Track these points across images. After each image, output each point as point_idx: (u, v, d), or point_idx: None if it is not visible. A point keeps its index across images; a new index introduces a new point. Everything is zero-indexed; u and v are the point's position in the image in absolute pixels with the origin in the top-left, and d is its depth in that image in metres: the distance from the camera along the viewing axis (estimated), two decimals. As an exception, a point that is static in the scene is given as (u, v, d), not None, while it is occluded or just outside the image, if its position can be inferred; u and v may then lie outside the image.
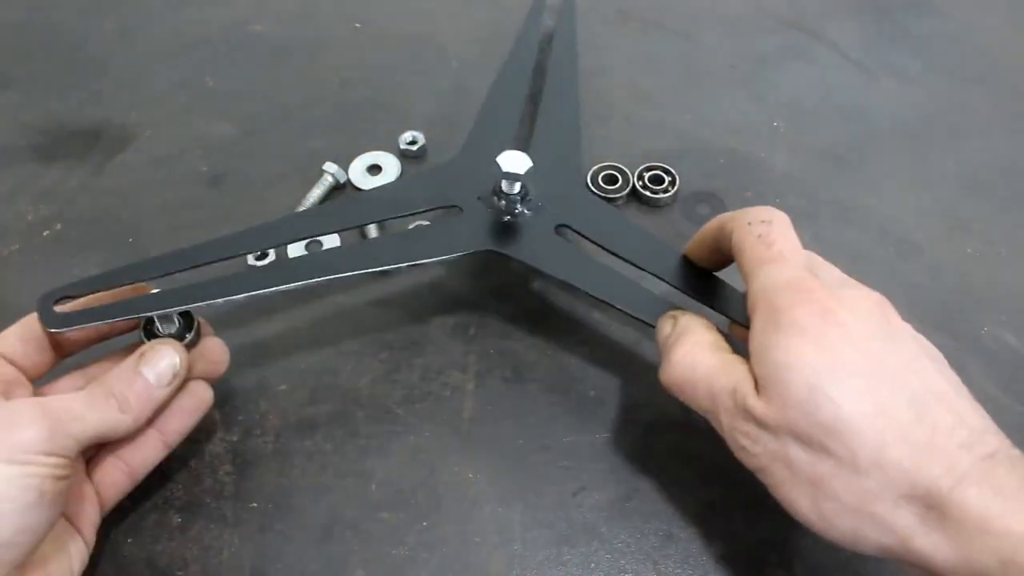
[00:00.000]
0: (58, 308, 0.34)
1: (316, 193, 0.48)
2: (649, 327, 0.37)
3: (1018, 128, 0.53)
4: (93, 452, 0.34)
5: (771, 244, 0.32)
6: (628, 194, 0.48)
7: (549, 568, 0.35)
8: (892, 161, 0.51)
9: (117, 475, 0.34)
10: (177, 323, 0.36)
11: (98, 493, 0.34)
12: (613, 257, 0.39)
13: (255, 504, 0.37)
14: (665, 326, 0.36)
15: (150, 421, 0.34)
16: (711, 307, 0.37)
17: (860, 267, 0.45)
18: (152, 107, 0.54)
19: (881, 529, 0.27)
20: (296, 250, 0.46)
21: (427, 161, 0.51)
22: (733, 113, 0.54)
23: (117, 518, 0.36)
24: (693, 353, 0.33)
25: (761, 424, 0.29)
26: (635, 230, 0.41)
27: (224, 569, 0.35)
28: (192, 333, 0.36)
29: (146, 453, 0.35)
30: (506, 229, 0.40)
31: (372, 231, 0.45)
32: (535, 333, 0.43)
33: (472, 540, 0.36)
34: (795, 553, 0.36)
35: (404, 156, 0.51)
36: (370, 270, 0.38)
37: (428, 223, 0.44)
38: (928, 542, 0.26)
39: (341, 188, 0.49)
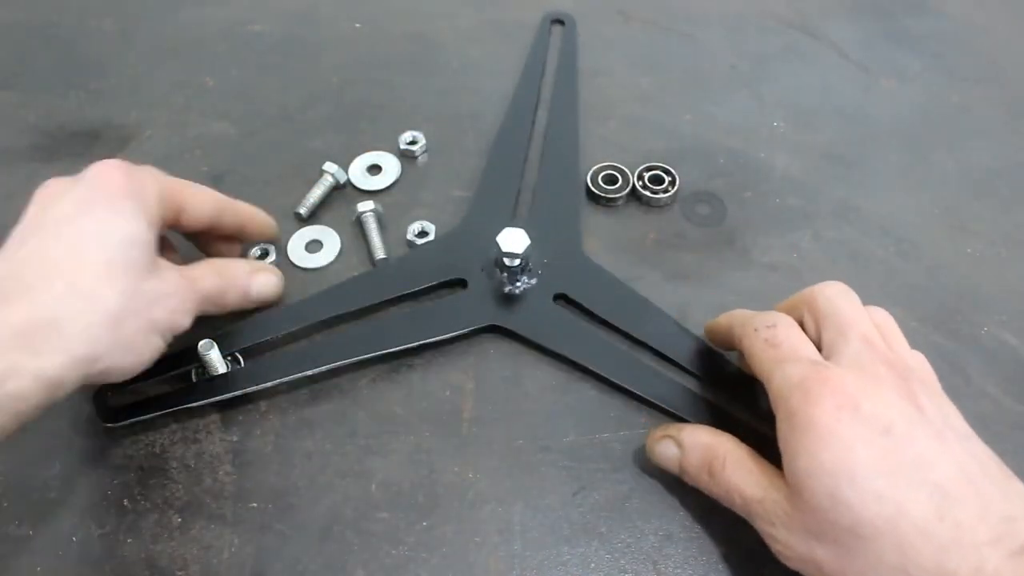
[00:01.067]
0: (112, 401, 0.39)
1: (316, 193, 0.48)
2: (643, 402, 0.39)
3: (1018, 128, 0.53)
4: None
5: (778, 345, 0.33)
6: (628, 194, 0.48)
7: (549, 568, 0.35)
8: (892, 161, 0.51)
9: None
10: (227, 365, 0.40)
11: None
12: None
13: (255, 504, 0.37)
14: (667, 449, 0.36)
15: None
16: (703, 378, 0.40)
17: (860, 267, 0.46)
18: (152, 107, 0.54)
19: None
20: (296, 252, 0.46)
21: (427, 161, 0.51)
22: (733, 113, 0.54)
23: (117, 518, 0.36)
24: (728, 474, 0.33)
25: (790, 529, 0.29)
26: (631, 296, 0.43)
27: (224, 569, 0.35)
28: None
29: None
30: (507, 300, 0.42)
31: (377, 247, 0.45)
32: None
33: (472, 540, 0.36)
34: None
35: (404, 156, 0.51)
36: (382, 352, 0.40)
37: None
38: None
39: (341, 188, 0.49)
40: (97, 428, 0.39)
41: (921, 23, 0.61)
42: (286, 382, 0.40)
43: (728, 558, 0.35)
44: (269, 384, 0.39)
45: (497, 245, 0.40)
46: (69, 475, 0.38)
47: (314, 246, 0.46)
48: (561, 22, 0.59)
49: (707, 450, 0.34)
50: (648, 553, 0.36)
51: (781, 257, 0.46)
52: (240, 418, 0.39)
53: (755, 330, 0.34)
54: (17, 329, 0.30)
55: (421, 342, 0.41)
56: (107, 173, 0.36)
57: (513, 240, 0.40)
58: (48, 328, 0.31)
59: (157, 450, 0.38)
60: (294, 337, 0.42)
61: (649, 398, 0.39)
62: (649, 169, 0.49)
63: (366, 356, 0.40)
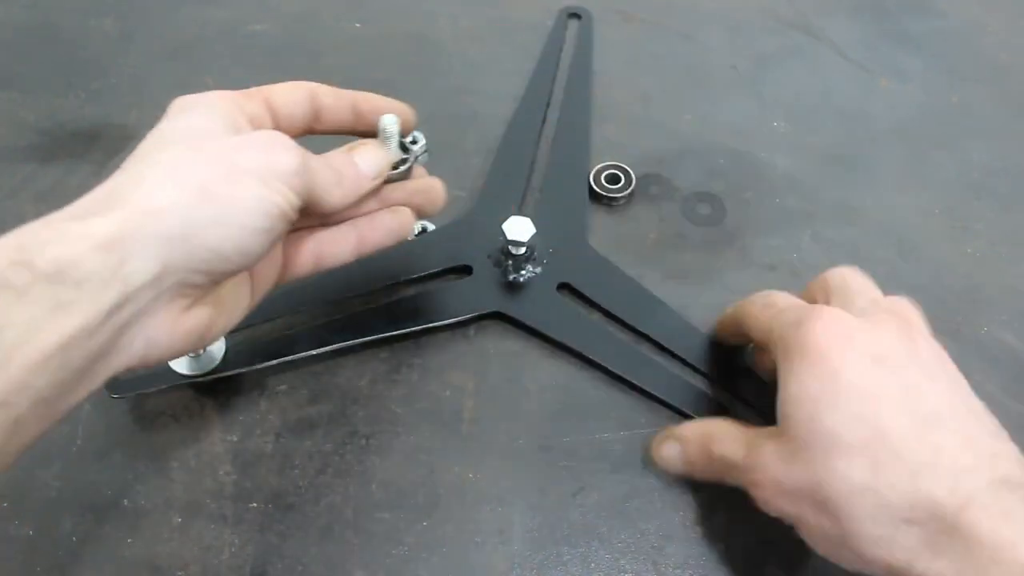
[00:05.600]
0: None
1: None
2: (644, 395, 0.39)
3: (1019, 128, 0.53)
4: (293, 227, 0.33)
5: (774, 303, 0.34)
6: (629, 194, 0.48)
7: (549, 568, 0.35)
8: (892, 161, 0.51)
9: (306, 255, 0.34)
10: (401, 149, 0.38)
11: (284, 264, 0.34)
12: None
13: (255, 504, 0.37)
14: (671, 449, 0.36)
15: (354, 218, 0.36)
16: (706, 373, 0.40)
17: (860, 267, 0.45)
18: (152, 107, 0.53)
19: (882, 552, 0.27)
20: None
21: (427, 161, 0.51)
22: (733, 113, 0.54)
23: (117, 518, 0.36)
24: (717, 447, 0.33)
25: (772, 469, 0.30)
26: (636, 288, 0.43)
27: (224, 569, 0.35)
28: (406, 166, 0.39)
29: (338, 248, 0.35)
30: (511, 288, 0.43)
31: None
32: (535, 333, 0.42)
33: (472, 540, 0.36)
34: (794, 553, 0.35)
35: (404, 156, 0.51)
36: (385, 335, 0.40)
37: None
38: (934, 568, 0.26)
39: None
40: (97, 428, 0.39)
41: (921, 23, 0.61)
42: (287, 361, 0.40)
43: (728, 558, 0.35)
44: (271, 363, 0.39)
45: (503, 232, 0.41)
46: (69, 475, 0.38)
47: None
48: (578, 16, 0.59)
49: (703, 435, 0.34)
50: (648, 553, 0.36)
51: (781, 257, 0.46)
52: (240, 418, 0.39)
53: (752, 303, 0.36)
54: (99, 241, 0.25)
55: (424, 326, 0.41)
56: (181, 102, 0.32)
57: (519, 228, 0.41)
58: (129, 225, 0.25)
59: (157, 450, 0.38)
60: (296, 320, 0.42)
61: (651, 391, 0.39)
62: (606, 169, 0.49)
63: (368, 339, 0.40)
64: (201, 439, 0.39)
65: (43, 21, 0.61)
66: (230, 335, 0.38)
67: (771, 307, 0.34)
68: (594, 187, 0.48)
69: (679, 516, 0.37)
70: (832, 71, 0.57)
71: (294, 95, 0.36)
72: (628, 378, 0.40)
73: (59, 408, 0.25)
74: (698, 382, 0.40)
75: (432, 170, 0.51)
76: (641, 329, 0.41)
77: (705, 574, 0.35)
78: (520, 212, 0.44)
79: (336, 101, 0.37)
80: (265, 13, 0.61)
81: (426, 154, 0.52)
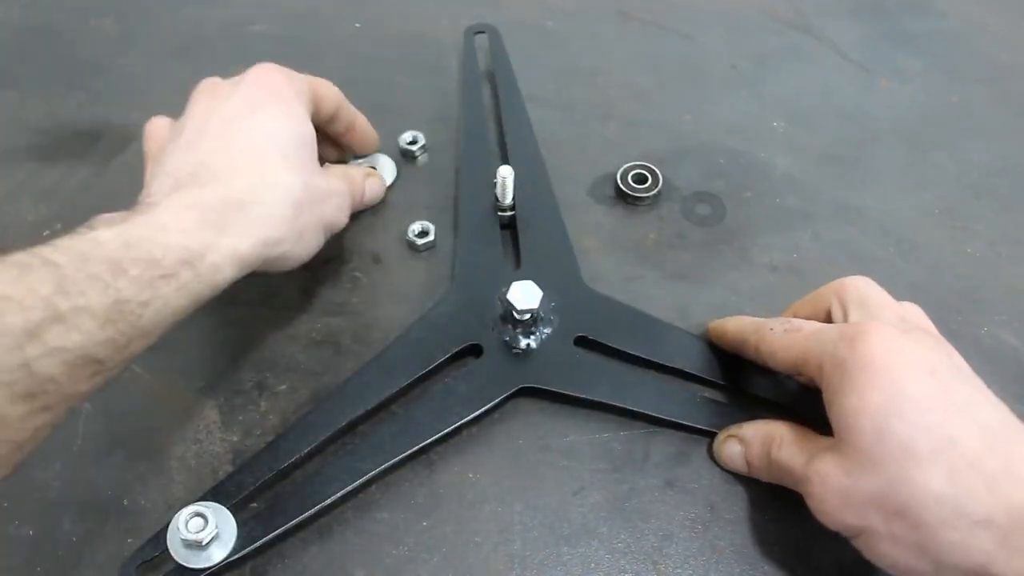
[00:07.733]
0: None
1: None
2: (704, 433, 0.38)
3: (1018, 128, 0.53)
4: None
5: (801, 328, 0.34)
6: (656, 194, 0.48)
7: (549, 568, 0.35)
8: (892, 161, 0.51)
9: None
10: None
11: None
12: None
13: (255, 504, 0.37)
14: (732, 448, 0.36)
15: None
16: (747, 390, 0.38)
17: (860, 267, 0.46)
18: (152, 107, 0.54)
19: (959, 556, 0.27)
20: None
21: (427, 161, 0.51)
22: (733, 113, 0.54)
23: (117, 518, 0.36)
24: (780, 452, 0.33)
25: (834, 482, 0.29)
26: (648, 321, 0.41)
27: (224, 568, 0.35)
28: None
29: None
30: (527, 356, 0.40)
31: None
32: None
33: (472, 540, 0.36)
34: (796, 553, 0.36)
35: (404, 156, 0.51)
36: (417, 447, 0.37)
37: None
38: (1012, 566, 0.26)
39: None
40: (97, 428, 0.39)
41: (921, 23, 0.61)
42: (323, 508, 0.36)
43: (728, 558, 0.35)
44: (309, 513, 0.35)
45: (508, 303, 0.38)
46: (69, 475, 0.38)
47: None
48: (484, 31, 0.55)
49: (766, 436, 0.34)
50: (648, 553, 0.36)
51: (781, 257, 0.46)
52: (240, 418, 0.39)
53: (771, 330, 0.35)
54: (211, 207, 0.33)
55: (455, 425, 0.38)
56: (269, 75, 0.39)
57: (525, 295, 0.38)
58: (238, 210, 0.33)
59: (157, 449, 0.38)
60: (312, 455, 0.37)
61: (704, 427, 0.38)
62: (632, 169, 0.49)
63: (401, 457, 0.37)
64: (201, 439, 0.39)
65: (43, 21, 0.61)
66: (242, 516, 0.35)
67: (797, 331, 0.33)
68: (620, 186, 0.48)
69: (679, 516, 0.37)
70: (832, 71, 0.57)
71: (332, 97, 0.42)
72: (680, 421, 0.38)
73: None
74: (743, 403, 0.39)
75: (432, 170, 0.51)
76: (667, 363, 0.39)
77: (705, 574, 0.35)
78: (512, 273, 0.42)
79: (346, 113, 0.43)
80: (265, 13, 0.61)
81: (426, 154, 0.52)
